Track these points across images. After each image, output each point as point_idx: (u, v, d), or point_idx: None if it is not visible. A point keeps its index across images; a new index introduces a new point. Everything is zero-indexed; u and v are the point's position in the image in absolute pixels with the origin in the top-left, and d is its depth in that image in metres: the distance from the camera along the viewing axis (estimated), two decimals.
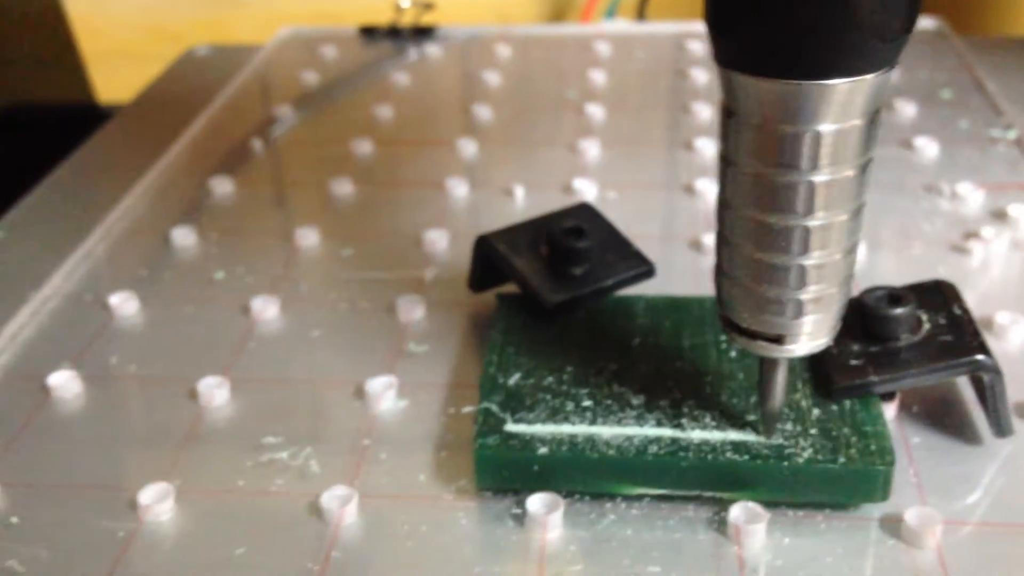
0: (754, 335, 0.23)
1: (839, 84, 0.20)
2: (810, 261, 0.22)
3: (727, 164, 0.22)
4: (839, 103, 0.20)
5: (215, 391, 0.30)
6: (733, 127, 0.21)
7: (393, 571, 0.24)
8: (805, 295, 0.22)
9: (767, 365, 0.25)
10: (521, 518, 0.25)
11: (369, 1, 0.68)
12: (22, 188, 0.44)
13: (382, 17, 0.59)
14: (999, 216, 0.37)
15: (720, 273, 0.24)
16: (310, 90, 0.52)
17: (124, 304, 0.34)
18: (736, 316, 0.24)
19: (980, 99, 0.47)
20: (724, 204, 0.23)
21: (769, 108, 0.20)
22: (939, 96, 0.47)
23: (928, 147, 0.42)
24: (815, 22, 0.19)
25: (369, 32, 0.58)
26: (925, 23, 0.55)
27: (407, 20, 0.58)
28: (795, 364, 0.28)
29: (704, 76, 0.51)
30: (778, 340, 0.23)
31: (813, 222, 0.21)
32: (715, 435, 0.26)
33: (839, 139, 0.20)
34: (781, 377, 0.25)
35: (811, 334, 0.23)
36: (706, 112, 0.46)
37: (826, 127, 0.20)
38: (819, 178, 0.21)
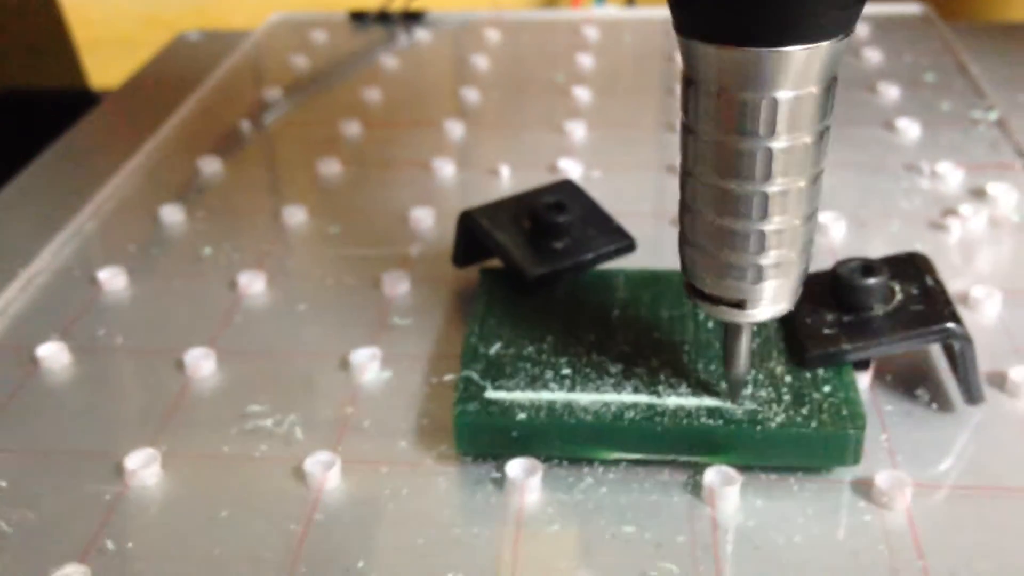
0: (717, 300, 0.24)
1: (795, 51, 0.20)
2: (769, 227, 0.22)
3: (688, 132, 0.23)
4: (795, 71, 0.20)
5: (201, 362, 0.30)
6: (693, 95, 0.22)
7: (374, 533, 0.25)
8: (765, 260, 0.23)
9: (731, 331, 0.25)
10: (500, 482, 0.26)
11: None
12: (14, 171, 0.45)
13: (372, 2, 0.60)
14: (978, 194, 0.38)
15: (683, 240, 0.24)
16: (300, 74, 0.52)
17: (113, 279, 0.35)
18: (699, 282, 0.24)
19: (963, 82, 0.47)
20: (686, 172, 0.23)
21: (727, 76, 0.21)
22: (922, 79, 0.48)
23: (910, 128, 0.43)
24: None
25: (359, 17, 0.58)
26: (911, 8, 0.56)
27: (397, 5, 0.58)
28: (770, 333, 0.28)
29: None
30: (740, 305, 0.24)
31: (772, 188, 0.22)
32: (690, 401, 0.26)
33: (796, 106, 0.21)
34: (745, 342, 0.25)
35: (772, 299, 0.24)
36: None
37: (783, 94, 0.21)
38: (777, 144, 0.21)
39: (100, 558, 0.24)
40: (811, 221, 0.23)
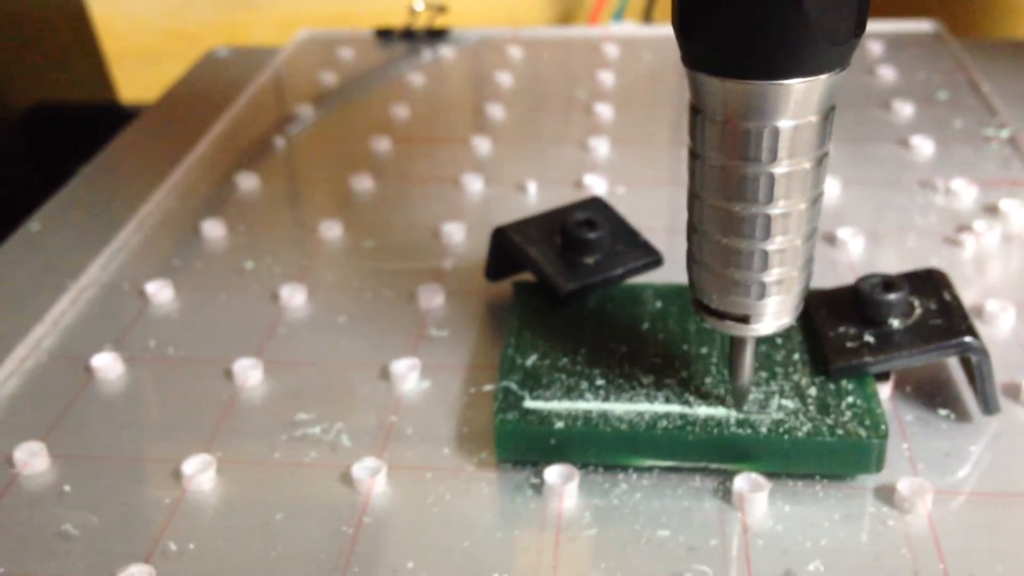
0: (722, 315, 0.26)
1: (795, 84, 0.22)
2: (772, 246, 0.24)
3: (695, 158, 0.24)
4: (796, 101, 0.22)
5: (249, 372, 0.32)
6: (699, 124, 0.23)
7: (420, 535, 0.26)
8: (768, 278, 0.24)
9: (736, 344, 0.27)
10: (539, 488, 0.27)
11: (383, 4, 0.70)
12: (47, 183, 0.46)
13: (396, 20, 0.61)
14: (991, 210, 0.39)
15: (691, 259, 0.26)
16: (328, 90, 0.54)
17: (160, 292, 0.36)
18: (706, 298, 0.26)
19: (975, 100, 0.48)
20: (693, 194, 0.25)
21: (731, 106, 0.22)
22: (935, 97, 0.49)
23: (924, 145, 0.44)
24: (772, 28, 0.21)
25: (384, 34, 0.60)
26: (923, 26, 0.57)
27: (421, 23, 0.60)
28: (794, 346, 0.29)
29: None
30: (744, 320, 0.25)
31: (774, 210, 0.23)
32: (720, 411, 0.27)
33: (796, 134, 0.22)
34: (749, 354, 0.27)
35: (775, 314, 0.25)
36: None
37: (784, 123, 0.22)
38: (778, 170, 0.23)
39: (164, 559, 0.25)
40: (811, 240, 0.25)
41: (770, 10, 0.20)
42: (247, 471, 0.28)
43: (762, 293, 0.25)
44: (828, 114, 0.23)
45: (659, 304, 0.32)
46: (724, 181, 0.23)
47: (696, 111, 0.23)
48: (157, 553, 0.26)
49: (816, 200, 0.24)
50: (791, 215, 0.24)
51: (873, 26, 0.57)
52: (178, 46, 0.75)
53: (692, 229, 0.25)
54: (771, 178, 0.23)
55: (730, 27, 0.21)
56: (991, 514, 0.26)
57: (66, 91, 0.71)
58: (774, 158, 0.23)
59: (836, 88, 0.22)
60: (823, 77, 0.22)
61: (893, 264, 0.36)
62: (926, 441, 0.28)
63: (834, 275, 0.36)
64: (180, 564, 0.25)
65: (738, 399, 0.27)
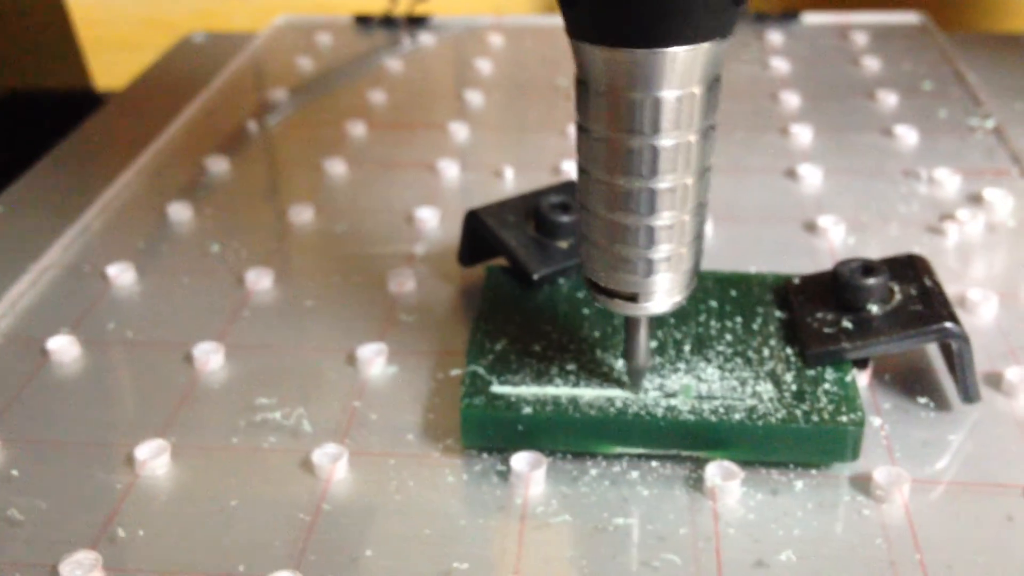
0: (612, 294, 0.25)
1: (677, 52, 0.21)
2: (658, 222, 0.23)
3: (581, 131, 0.24)
4: (678, 71, 0.21)
5: (210, 355, 0.31)
6: (583, 95, 0.23)
7: (381, 523, 0.25)
8: (655, 255, 0.24)
9: (630, 323, 0.26)
10: (505, 475, 0.26)
11: None
12: (21, 171, 0.45)
13: (376, 6, 0.60)
14: (975, 200, 0.38)
15: (580, 235, 0.25)
16: (305, 76, 0.53)
17: (121, 274, 0.35)
18: (595, 276, 0.25)
19: (960, 90, 0.48)
20: (581, 169, 0.24)
21: (613, 76, 0.22)
22: (920, 87, 0.48)
23: (908, 135, 0.43)
24: None
25: (364, 21, 0.59)
26: (909, 18, 0.57)
27: (401, 9, 0.59)
28: (771, 331, 0.29)
29: None
30: (633, 298, 0.25)
31: (659, 184, 0.23)
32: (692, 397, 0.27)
33: (680, 105, 0.22)
34: (643, 334, 0.26)
35: (666, 292, 0.25)
36: None
37: (667, 93, 0.22)
38: (662, 142, 0.22)
39: (111, 545, 0.24)
40: (699, 215, 0.24)
41: None
42: (203, 457, 0.27)
43: (650, 270, 0.24)
44: (712, 85, 0.22)
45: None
46: (609, 154, 0.23)
47: (580, 82, 0.23)
48: (104, 539, 0.25)
49: (703, 174, 0.23)
50: (677, 189, 0.23)
51: (859, 17, 0.57)
52: (156, 34, 0.74)
53: (581, 205, 0.25)
54: (655, 151, 0.22)
55: None
56: (969, 504, 0.25)
57: (41, 78, 0.69)
58: (657, 130, 0.22)
59: (719, 58, 0.22)
60: (704, 46, 0.21)
61: (875, 253, 0.35)
62: (904, 429, 0.28)
63: (814, 264, 0.35)
64: (127, 550, 0.24)
65: (634, 380, 0.27)
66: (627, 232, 0.24)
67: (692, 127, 0.22)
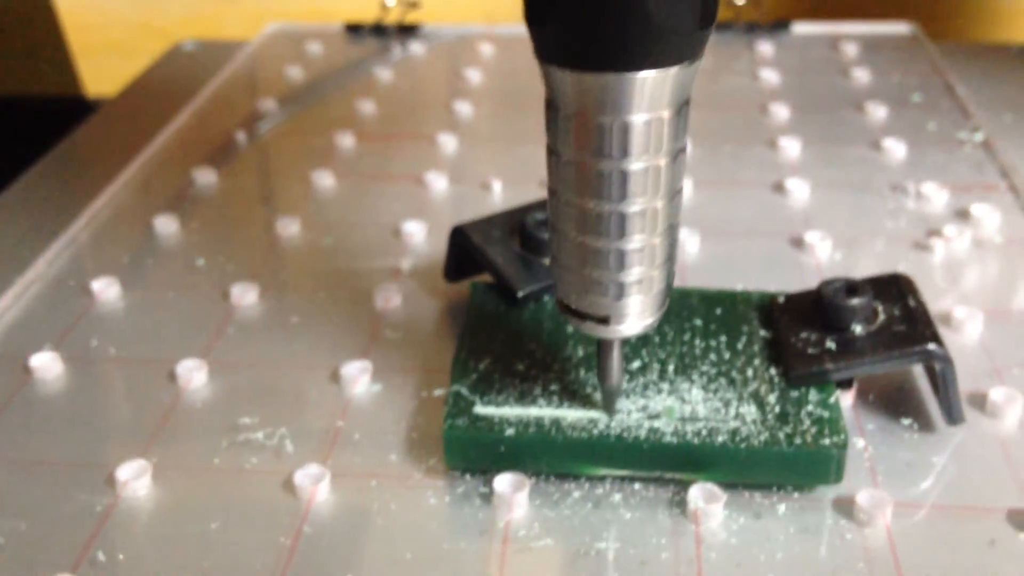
0: (583, 316, 0.25)
1: (645, 76, 0.21)
2: (629, 245, 0.23)
3: (551, 153, 0.23)
4: (646, 95, 0.21)
5: (193, 373, 0.31)
6: (553, 118, 0.23)
7: (363, 546, 0.25)
8: (626, 277, 0.24)
9: (603, 345, 0.26)
10: (488, 497, 0.26)
11: None
12: (9, 178, 0.45)
13: (368, 15, 0.60)
14: (962, 215, 0.38)
15: (551, 258, 0.25)
16: (295, 85, 0.53)
17: (106, 289, 0.35)
18: (566, 298, 0.25)
19: (950, 102, 0.48)
20: (551, 192, 0.24)
21: (582, 100, 0.22)
22: (909, 99, 0.48)
23: (896, 148, 0.43)
24: (615, 17, 0.20)
25: (354, 29, 0.59)
26: (899, 28, 0.57)
27: (392, 18, 0.59)
28: (755, 351, 0.28)
29: None
30: (605, 321, 0.25)
31: (629, 208, 0.23)
32: (676, 420, 0.26)
33: (649, 129, 0.22)
34: (616, 356, 0.26)
35: (638, 314, 0.25)
36: None
37: (636, 117, 0.22)
38: (632, 166, 0.22)
39: (91, 570, 0.24)
40: (670, 237, 0.24)
41: (611, 1, 0.20)
42: (185, 477, 0.27)
43: (620, 293, 0.24)
44: (682, 108, 0.22)
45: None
46: (578, 178, 0.23)
47: (550, 105, 0.23)
48: (85, 563, 0.25)
49: (674, 197, 0.23)
50: (647, 213, 0.23)
51: (849, 27, 0.57)
52: (148, 40, 0.74)
53: (551, 228, 0.25)
54: (624, 174, 0.22)
55: (574, 16, 0.20)
56: (951, 528, 0.25)
57: (31, 84, 0.69)
58: (627, 154, 0.22)
59: (688, 82, 0.22)
60: (673, 70, 0.21)
61: (861, 269, 0.35)
62: (888, 451, 0.28)
63: (800, 279, 0.35)
64: (108, 574, 0.24)
65: (607, 403, 0.27)
66: (598, 255, 0.24)
67: (661, 150, 0.22)
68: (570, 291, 0.25)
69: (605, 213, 0.23)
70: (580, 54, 0.21)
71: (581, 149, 0.22)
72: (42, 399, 0.30)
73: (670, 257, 0.24)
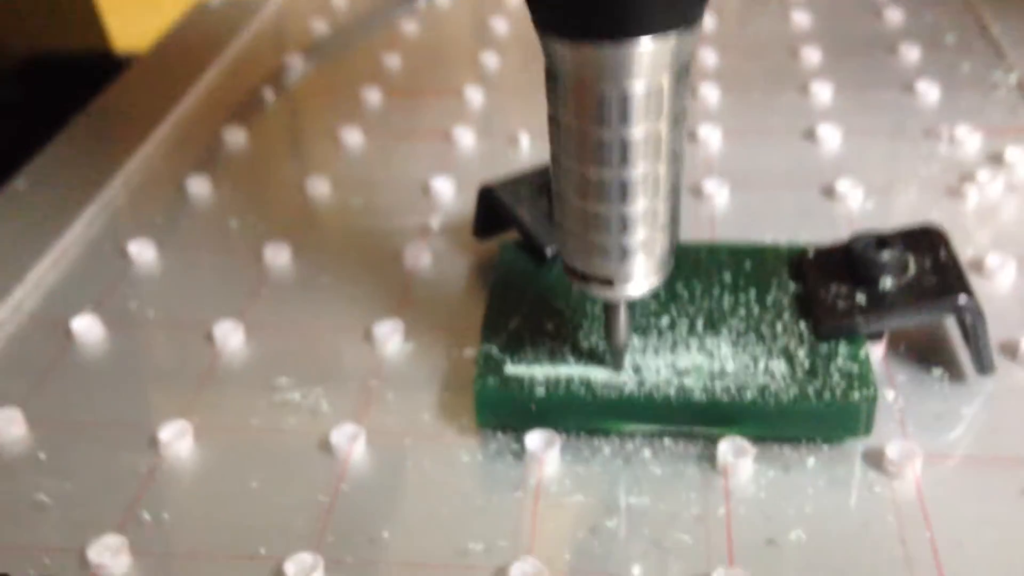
0: (588, 279, 0.25)
1: (643, 44, 0.21)
2: (631, 210, 0.23)
3: (552, 121, 0.24)
4: (645, 63, 0.21)
5: (230, 335, 0.31)
6: (553, 87, 0.23)
7: (398, 503, 0.26)
8: (630, 240, 0.24)
9: (609, 307, 0.26)
10: (520, 454, 0.27)
11: None
12: (40, 137, 0.45)
13: None
14: (995, 160, 0.38)
15: (556, 223, 0.25)
16: (320, 39, 0.53)
17: (142, 251, 0.35)
18: (571, 262, 0.25)
19: (983, 43, 0.47)
20: (553, 158, 0.24)
21: (581, 69, 0.22)
22: (943, 40, 0.47)
23: (929, 91, 0.43)
24: None
25: None
26: None
27: None
28: (784, 306, 0.29)
29: (707, 22, 0.51)
30: (609, 283, 0.25)
31: (631, 173, 0.23)
32: (705, 375, 0.27)
33: (649, 96, 0.22)
34: (623, 316, 0.26)
35: (643, 275, 0.25)
36: (711, 58, 0.47)
37: (635, 85, 0.22)
38: (632, 133, 0.22)
39: (137, 528, 0.25)
40: (672, 199, 0.24)
41: None
42: (224, 438, 0.28)
43: (624, 256, 0.24)
44: (681, 74, 0.22)
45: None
46: (579, 145, 0.23)
47: (550, 74, 0.23)
48: (131, 522, 0.25)
49: (675, 160, 0.24)
50: (648, 177, 0.23)
51: None
52: None
53: (556, 194, 0.25)
54: (625, 142, 0.22)
55: None
56: (981, 479, 0.26)
57: (59, 40, 0.69)
58: (627, 121, 0.22)
59: (687, 47, 0.22)
60: (671, 36, 0.21)
61: (893, 217, 0.35)
62: (918, 403, 0.28)
63: (832, 230, 0.35)
64: (153, 534, 0.25)
65: (616, 360, 0.27)
66: (600, 219, 0.24)
67: (662, 116, 0.22)
68: (574, 255, 0.25)
69: (607, 179, 0.23)
70: (577, 24, 0.21)
71: (581, 117, 0.22)
72: (84, 362, 0.31)
73: (673, 219, 0.25)
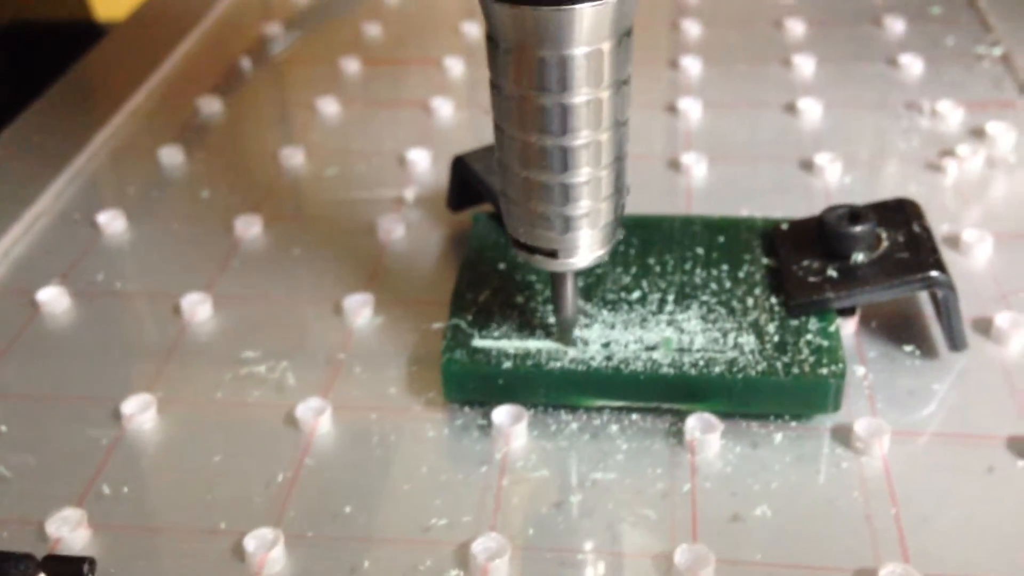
0: (532, 250, 0.25)
1: (583, 8, 0.21)
2: (573, 179, 0.23)
3: (494, 88, 0.23)
4: (585, 28, 0.21)
5: (198, 307, 0.31)
6: (494, 53, 0.23)
7: (362, 477, 0.25)
8: (573, 211, 0.24)
9: (555, 278, 0.26)
10: (486, 428, 0.26)
11: None
12: (21, 106, 0.45)
13: None
14: (977, 134, 0.38)
15: (500, 193, 0.25)
16: (301, 8, 0.52)
17: (112, 222, 0.35)
18: (515, 232, 0.25)
19: (969, 15, 0.46)
20: (496, 127, 0.24)
21: (521, 34, 0.21)
22: (928, 12, 0.47)
23: (913, 64, 0.42)
24: None
25: None
26: None
27: None
28: (756, 280, 0.28)
29: None
30: (553, 254, 0.25)
31: (573, 142, 0.23)
32: (672, 349, 0.26)
33: (589, 62, 0.22)
34: (570, 288, 0.26)
35: (588, 247, 0.24)
36: (695, 29, 0.46)
37: (575, 51, 0.21)
38: (573, 100, 0.22)
39: (97, 502, 0.25)
40: (616, 169, 0.24)
41: None
42: (189, 411, 0.28)
43: (567, 227, 0.24)
44: (623, 40, 0.22)
45: (619, 236, 0.30)
46: (521, 112, 0.23)
47: (490, 40, 0.23)
48: (91, 495, 0.25)
49: (618, 129, 0.23)
50: (591, 146, 0.23)
51: None
52: None
53: (498, 162, 0.24)
54: (565, 108, 0.22)
55: None
56: (950, 455, 0.25)
57: (41, 9, 0.69)
58: (567, 88, 0.22)
59: (628, 12, 0.22)
60: (611, 1, 0.21)
61: (870, 191, 0.35)
62: (889, 379, 0.28)
63: (809, 204, 0.34)
64: (113, 507, 0.25)
65: (564, 333, 0.27)
66: (543, 189, 0.23)
67: (603, 83, 0.22)
68: (519, 225, 0.25)
69: (548, 147, 0.23)
70: None
71: (521, 83, 0.22)
72: (49, 333, 0.31)
73: (618, 189, 0.24)
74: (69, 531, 0.24)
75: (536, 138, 0.23)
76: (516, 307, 0.28)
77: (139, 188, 0.38)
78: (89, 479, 0.26)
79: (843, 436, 0.26)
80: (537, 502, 0.25)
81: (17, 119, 0.43)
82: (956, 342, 0.28)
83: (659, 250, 0.30)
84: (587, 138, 0.23)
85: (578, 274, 0.29)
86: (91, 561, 0.22)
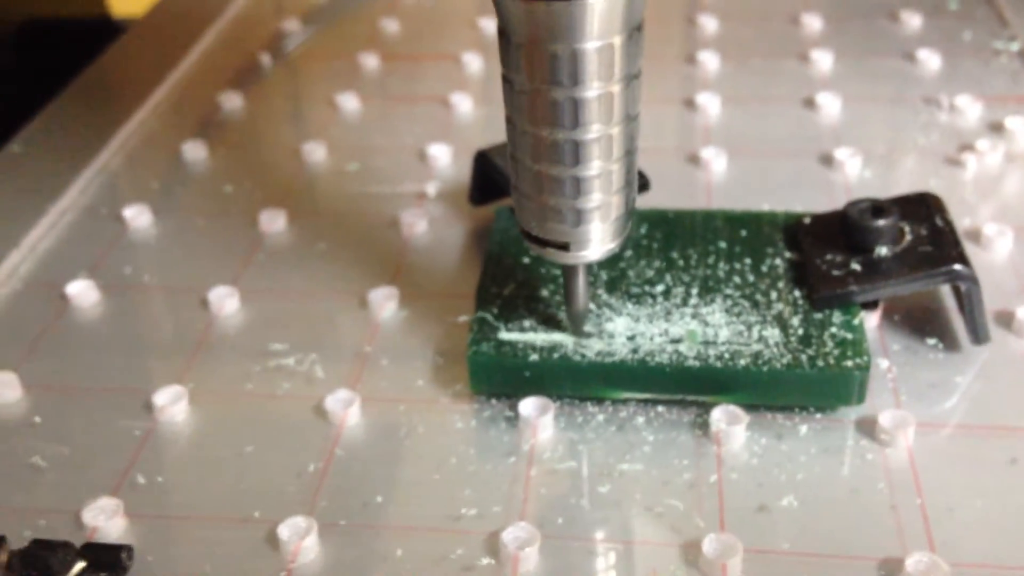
0: (544, 243, 0.25)
1: (594, 2, 0.21)
2: (585, 172, 0.23)
3: (505, 82, 0.23)
4: (597, 22, 0.21)
5: (225, 300, 0.31)
6: (505, 47, 0.23)
7: (392, 469, 0.26)
8: (584, 204, 0.24)
9: (567, 271, 0.26)
10: (513, 420, 0.27)
11: None
12: (39, 103, 0.45)
13: None
14: (996, 129, 0.38)
15: (512, 186, 0.25)
16: (319, 4, 0.52)
17: (138, 217, 0.35)
18: (527, 226, 0.25)
19: (987, 10, 0.46)
20: (508, 120, 0.24)
21: (533, 28, 0.22)
22: (945, 6, 0.47)
23: (930, 59, 0.42)
24: None
25: None
26: None
27: None
28: (780, 273, 0.28)
29: None
30: (565, 247, 0.25)
31: (585, 135, 0.23)
32: (699, 342, 0.27)
33: (601, 56, 0.22)
34: (581, 281, 0.26)
35: (599, 240, 0.25)
36: (711, 25, 0.47)
37: (587, 45, 0.22)
38: (585, 94, 0.22)
39: (132, 492, 0.25)
40: (627, 163, 0.24)
41: None
42: (219, 402, 0.28)
43: (578, 220, 0.24)
44: (633, 34, 0.22)
45: (643, 230, 0.31)
46: (532, 106, 0.23)
47: (502, 33, 0.23)
48: (125, 485, 0.25)
49: (629, 122, 0.23)
50: (602, 139, 0.23)
51: None
52: None
53: (510, 156, 0.25)
54: (577, 102, 0.22)
55: None
56: (973, 447, 0.26)
57: (57, 6, 0.69)
58: (578, 82, 0.22)
59: (639, 6, 0.22)
60: None
61: (890, 186, 0.35)
62: (912, 372, 0.28)
63: (829, 198, 0.34)
64: (147, 496, 0.25)
65: (575, 325, 0.27)
66: (554, 182, 0.24)
67: (614, 77, 0.22)
68: (530, 218, 0.25)
69: (560, 141, 0.23)
70: None
71: (533, 78, 0.22)
72: (79, 326, 0.31)
73: (629, 183, 0.24)
74: (105, 520, 0.24)
75: (548, 132, 0.23)
76: (541, 300, 0.28)
77: (163, 183, 0.38)
78: (123, 469, 0.26)
79: (868, 428, 0.26)
80: (565, 492, 0.25)
81: (38, 116, 0.43)
82: (979, 335, 0.28)
83: (682, 244, 0.30)
84: (599, 132, 0.23)
85: (601, 268, 0.29)
86: (128, 549, 0.23)
